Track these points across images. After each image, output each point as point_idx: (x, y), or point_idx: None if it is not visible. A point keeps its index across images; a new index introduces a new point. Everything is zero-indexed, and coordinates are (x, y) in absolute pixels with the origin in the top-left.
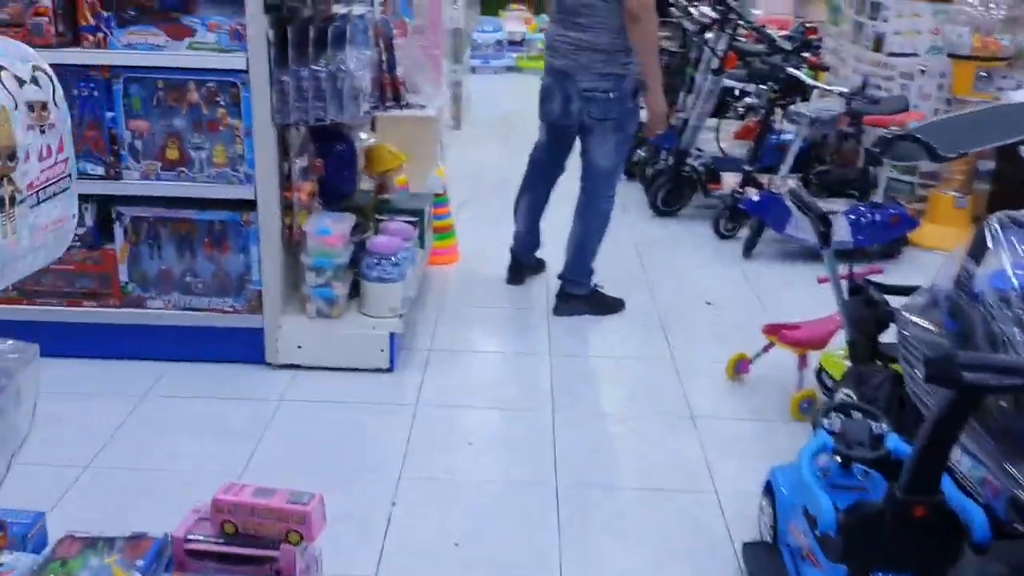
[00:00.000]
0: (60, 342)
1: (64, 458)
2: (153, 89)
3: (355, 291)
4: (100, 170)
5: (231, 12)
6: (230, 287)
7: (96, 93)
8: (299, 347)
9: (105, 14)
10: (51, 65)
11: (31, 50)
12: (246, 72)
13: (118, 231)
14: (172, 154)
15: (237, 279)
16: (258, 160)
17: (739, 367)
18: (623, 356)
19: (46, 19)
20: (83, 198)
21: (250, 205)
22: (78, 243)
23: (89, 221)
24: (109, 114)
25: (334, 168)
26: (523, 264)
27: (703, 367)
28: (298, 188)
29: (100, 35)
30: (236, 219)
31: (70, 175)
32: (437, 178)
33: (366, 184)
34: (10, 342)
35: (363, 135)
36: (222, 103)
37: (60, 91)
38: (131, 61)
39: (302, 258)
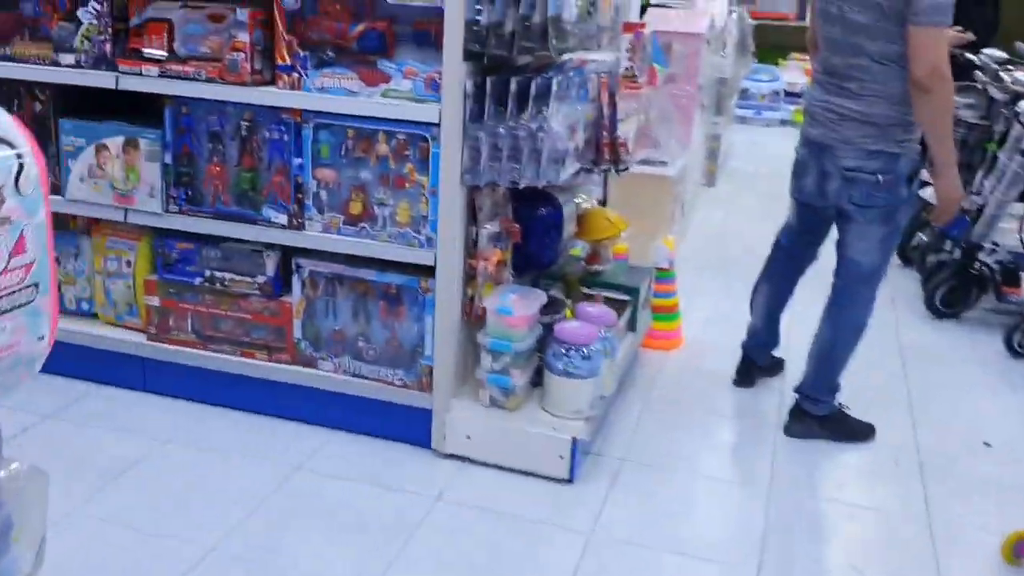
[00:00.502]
0: (228, 392)
1: (191, 534)
2: (343, 137)
3: (539, 378)
4: (283, 219)
5: (433, 59)
6: (402, 358)
7: (286, 137)
8: (468, 437)
9: (302, 54)
10: (241, 104)
11: (6, 118)
12: (438, 126)
13: (296, 284)
14: (356, 208)
15: (410, 351)
16: (442, 223)
17: (1020, 548)
18: (862, 504)
19: (243, 55)
20: (267, 246)
21: (430, 271)
22: (257, 292)
23: (270, 271)
24: (297, 160)
25: (534, 234)
26: (755, 364)
27: (969, 536)
28: (485, 256)
29: (295, 75)
30: (414, 285)
31: (36, 285)
32: (663, 248)
33: (577, 250)
34: (14, 465)
35: (582, 196)
36: (411, 158)
37: (34, 172)
38: (322, 106)
39: (479, 337)
